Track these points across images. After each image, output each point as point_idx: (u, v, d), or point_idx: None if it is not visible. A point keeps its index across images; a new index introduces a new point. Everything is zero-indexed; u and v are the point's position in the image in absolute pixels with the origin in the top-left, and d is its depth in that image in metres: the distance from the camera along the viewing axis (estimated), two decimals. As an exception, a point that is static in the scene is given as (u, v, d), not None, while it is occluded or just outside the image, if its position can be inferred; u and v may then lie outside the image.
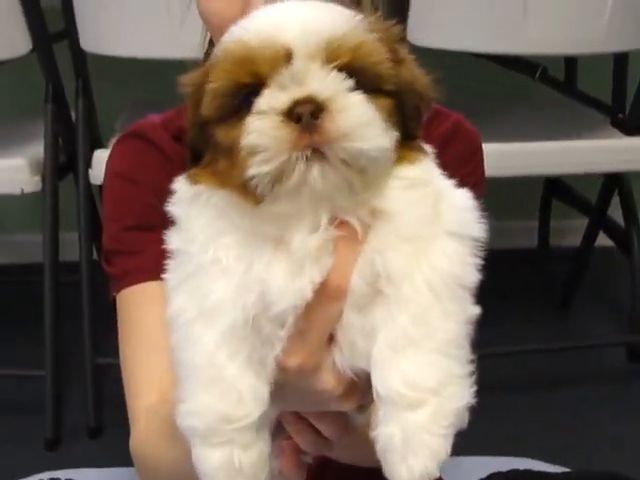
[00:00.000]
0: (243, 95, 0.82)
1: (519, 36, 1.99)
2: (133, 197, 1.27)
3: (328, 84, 0.80)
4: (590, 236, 2.73)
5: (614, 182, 2.56)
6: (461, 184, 1.24)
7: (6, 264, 3.17)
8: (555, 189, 3.01)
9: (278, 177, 0.80)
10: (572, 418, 2.29)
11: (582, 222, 2.84)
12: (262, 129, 0.80)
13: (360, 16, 0.85)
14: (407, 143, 0.87)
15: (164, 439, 1.10)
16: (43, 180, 2.18)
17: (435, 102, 1.02)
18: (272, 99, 0.80)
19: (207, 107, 0.84)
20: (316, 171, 0.79)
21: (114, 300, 1.30)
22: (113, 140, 2.18)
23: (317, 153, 0.79)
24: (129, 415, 1.26)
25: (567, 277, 2.82)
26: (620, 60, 2.47)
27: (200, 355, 0.87)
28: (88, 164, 2.18)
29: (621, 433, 2.23)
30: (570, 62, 2.71)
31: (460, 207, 0.90)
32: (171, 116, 1.31)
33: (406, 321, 0.85)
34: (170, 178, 0.92)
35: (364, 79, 0.82)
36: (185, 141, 0.91)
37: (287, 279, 0.84)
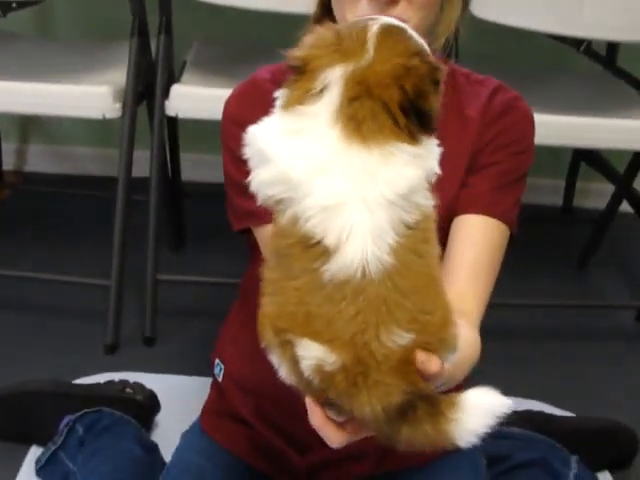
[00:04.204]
0: None
1: (575, 19, 2.12)
2: None
3: None
4: (614, 203, 2.84)
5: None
6: (511, 150, 1.46)
7: (72, 175, 3.32)
8: (584, 153, 3.11)
9: None
10: (583, 370, 2.41)
11: (606, 186, 2.96)
12: None
13: None
14: None
15: None
16: (123, 107, 2.30)
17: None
18: None
19: None
20: None
21: (241, 231, 1.50)
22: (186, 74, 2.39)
23: None
24: None
25: (587, 238, 2.93)
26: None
27: None
28: (165, 95, 2.33)
29: (629, 387, 2.36)
30: (613, 39, 2.82)
31: None
32: (281, 67, 1.39)
33: None
34: None
35: None
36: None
37: None
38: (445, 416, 1.06)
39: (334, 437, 1.09)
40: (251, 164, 1.09)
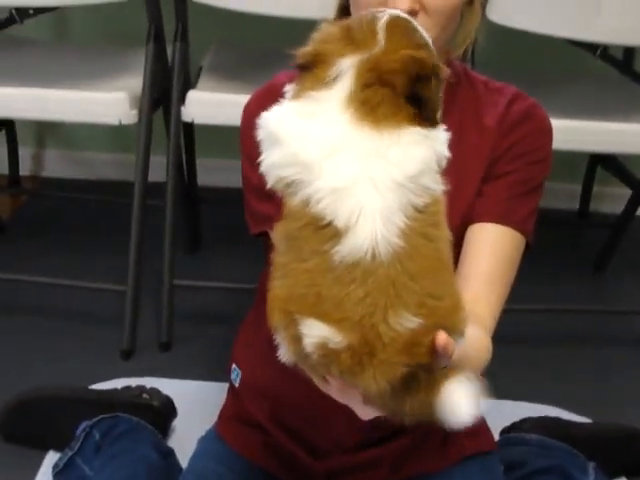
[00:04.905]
0: None
1: (592, 24, 2.12)
2: None
3: None
4: (631, 208, 2.84)
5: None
6: (527, 159, 1.46)
7: (88, 180, 3.33)
8: (601, 158, 3.11)
9: None
10: (600, 376, 2.41)
11: (623, 190, 2.94)
12: None
13: None
14: None
15: None
16: (139, 113, 2.31)
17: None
18: None
19: None
20: None
21: (258, 235, 1.49)
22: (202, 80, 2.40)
23: None
24: None
25: (604, 243, 2.93)
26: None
27: None
28: (181, 101, 2.33)
29: None
30: (630, 44, 2.81)
31: None
32: None
33: None
34: None
35: None
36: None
37: None
38: (440, 384, 1.08)
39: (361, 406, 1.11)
40: (263, 146, 1.11)
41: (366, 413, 1.15)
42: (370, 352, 1.03)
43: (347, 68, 1.09)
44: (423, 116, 1.09)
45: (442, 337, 1.04)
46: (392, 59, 1.09)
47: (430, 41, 1.17)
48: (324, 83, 1.10)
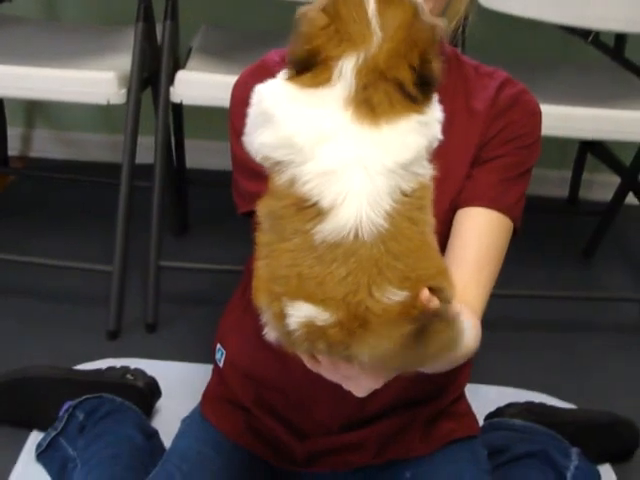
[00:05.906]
0: None
1: (583, 10, 2.11)
2: None
3: None
4: (620, 195, 2.85)
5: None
6: (516, 144, 1.46)
7: (77, 161, 3.31)
8: (591, 145, 3.09)
9: None
10: (586, 362, 2.41)
11: (612, 178, 2.95)
12: None
13: None
14: None
15: None
16: (128, 93, 2.29)
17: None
18: None
19: None
20: None
21: (246, 214, 1.45)
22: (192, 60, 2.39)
23: None
24: None
25: (593, 230, 2.93)
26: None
27: None
28: (170, 82, 2.32)
29: (631, 380, 2.36)
30: (621, 31, 2.81)
31: None
32: None
33: None
34: None
35: None
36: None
37: None
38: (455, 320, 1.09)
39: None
40: (253, 122, 1.10)
41: (359, 389, 1.14)
42: (363, 324, 1.03)
43: (348, 70, 1.07)
44: (427, 89, 1.09)
45: (425, 292, 1.04)
46: (390, 49, 1.07)
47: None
48: (323, 84, 1.08)
